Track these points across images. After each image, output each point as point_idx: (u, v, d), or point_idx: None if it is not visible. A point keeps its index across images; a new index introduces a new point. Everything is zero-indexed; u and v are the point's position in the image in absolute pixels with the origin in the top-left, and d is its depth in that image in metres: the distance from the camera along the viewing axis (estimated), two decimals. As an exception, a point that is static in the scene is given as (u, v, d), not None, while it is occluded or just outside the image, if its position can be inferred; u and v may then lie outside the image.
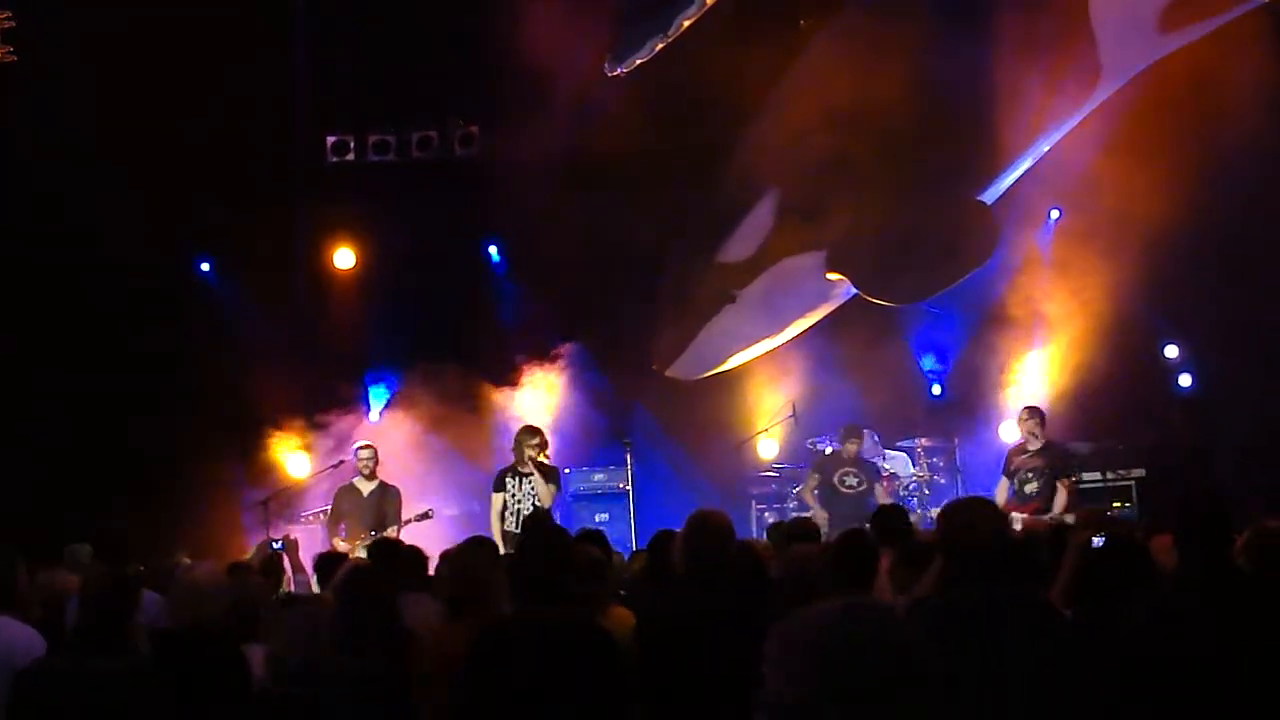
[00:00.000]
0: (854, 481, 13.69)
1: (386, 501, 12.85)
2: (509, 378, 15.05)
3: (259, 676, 6.16)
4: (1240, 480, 12.80)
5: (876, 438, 14.62)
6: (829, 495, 13.57)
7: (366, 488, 12.93)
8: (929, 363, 15.80)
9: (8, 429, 13.66)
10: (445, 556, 7.56)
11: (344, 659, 5.29)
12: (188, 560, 10.82)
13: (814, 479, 13.86)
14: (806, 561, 5.52)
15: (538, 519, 10.48)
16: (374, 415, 15.82)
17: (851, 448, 13.85)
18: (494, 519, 12.35)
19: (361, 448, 13.26)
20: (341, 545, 12.46)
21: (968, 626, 4.63)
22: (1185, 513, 5.21)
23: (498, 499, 12.42)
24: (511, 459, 12.58)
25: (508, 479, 12.43)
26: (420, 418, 14.88)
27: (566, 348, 15.12)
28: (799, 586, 5.40)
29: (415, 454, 14.65)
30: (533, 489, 12.22)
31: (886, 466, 14.54)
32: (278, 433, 15.15)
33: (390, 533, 12.24)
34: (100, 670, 5.03)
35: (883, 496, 13.48)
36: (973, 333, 15.28)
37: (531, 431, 12.58)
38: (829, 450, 14.21)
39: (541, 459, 12.40)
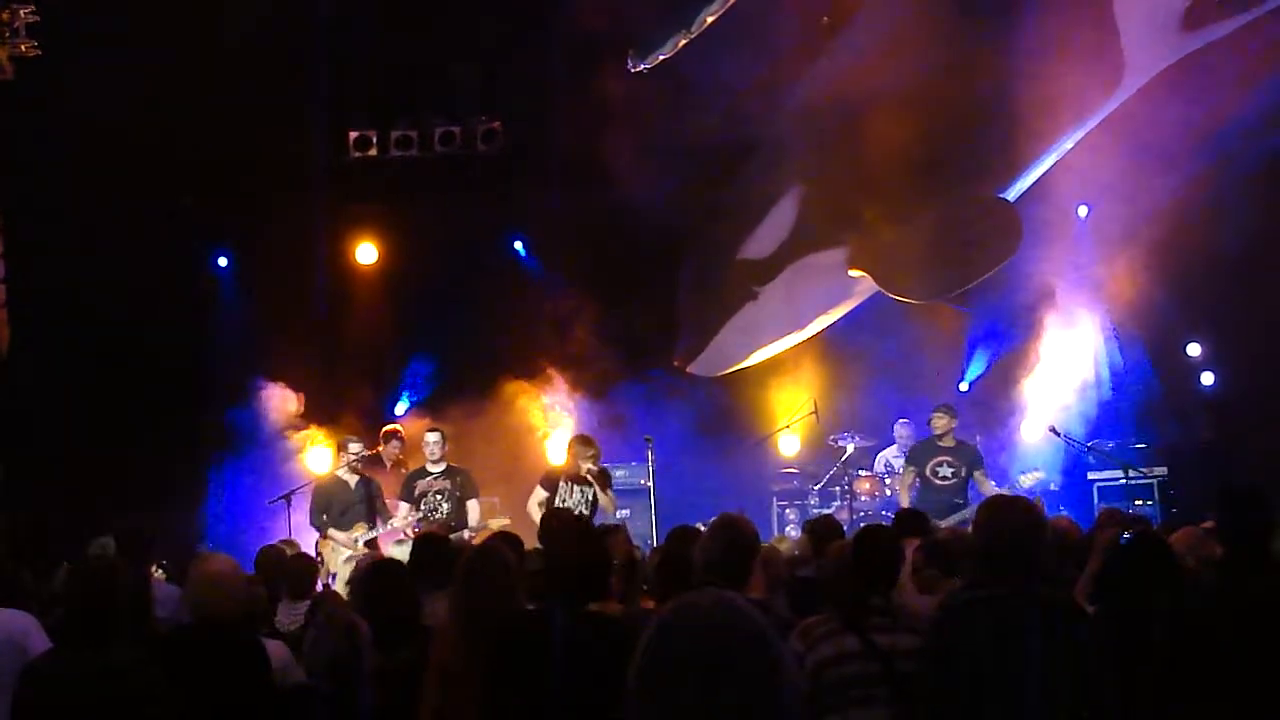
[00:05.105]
0: (948, 472, 12.85)
1: (372, 491, 12.80)
2: (532, 372, 15.05)
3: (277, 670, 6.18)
4: (1262, 479, 12.71)
5: (914, 427, 14.32)
6: (923, 489, 12.84)
7: (353, 480, 12.80)
8: (977, 364, 15.57)
9: (29, 427, 13.67)
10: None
11: (369, 654, 5.31)
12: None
13: (910, 474, 13.11)
14: (842, 560, 5.50)
15: (562, 519, 10.07)
16: (398, 409, 15.85)
17: (941, 422, 13.00)
18: (533, 510, 11.94)
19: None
20: (340, 537, 12.40)
21: (991, 624, 4.65)
22: (1227, 506, 5.23)
23: (542, 493, 12.06)
24: (543, 460, 12.42)
25: (561, 483, 12.07)
26: (444, 412, 14.89)
27: (589, 343, 15.11)
28: (835, 584, 5.39)
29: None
30: (586, 498, 11.94)
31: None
32: (298, 429, 15.18)
33: (399, 521, 12.33)
34: (93, 665, 4.99)
35: (986, 486, 12.59)
36: (996, 330, 15.25)
37: (587, 443, 12.25)
38: (935, 437, 13.09)
39: (594, 468, 12.13)
